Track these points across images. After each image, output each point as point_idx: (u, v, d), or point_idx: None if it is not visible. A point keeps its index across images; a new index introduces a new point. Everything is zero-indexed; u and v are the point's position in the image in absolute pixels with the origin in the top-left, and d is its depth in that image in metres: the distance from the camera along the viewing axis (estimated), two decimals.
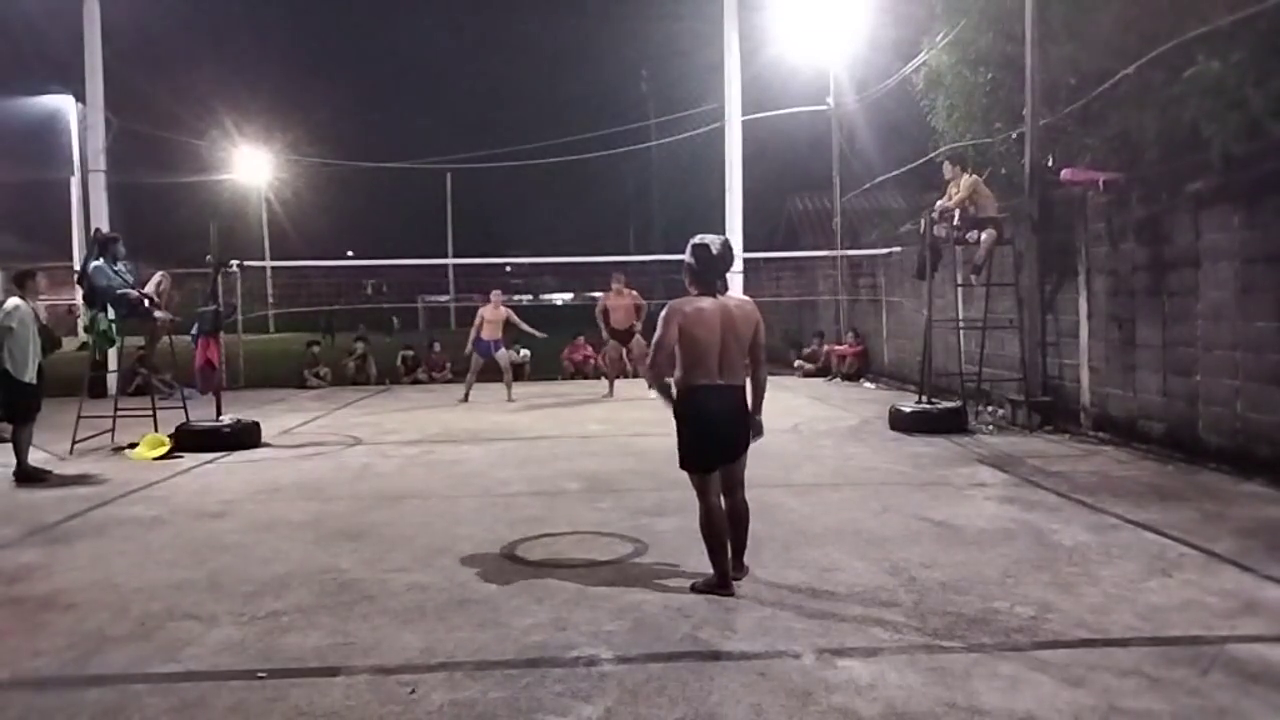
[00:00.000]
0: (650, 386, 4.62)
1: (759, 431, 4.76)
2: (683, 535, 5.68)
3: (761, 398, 4.77)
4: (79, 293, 10.63)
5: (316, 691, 3.54)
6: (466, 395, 13.86)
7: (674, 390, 4.62)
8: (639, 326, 14.38)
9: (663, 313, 4.58)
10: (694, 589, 4.60)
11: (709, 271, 4.63)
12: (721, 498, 4.67)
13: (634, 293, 14.36)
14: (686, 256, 4.67)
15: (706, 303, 4.56)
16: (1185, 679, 3.52)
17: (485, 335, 13.97)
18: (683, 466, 4.65)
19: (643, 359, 14.99)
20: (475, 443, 9.80)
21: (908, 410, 10.12)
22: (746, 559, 4.86)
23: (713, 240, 4.70)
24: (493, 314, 13.98)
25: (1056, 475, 7.43)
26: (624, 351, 14.89)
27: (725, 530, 4.62)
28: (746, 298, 5.06)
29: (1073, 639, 3.95)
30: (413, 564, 5.22)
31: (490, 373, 14.13)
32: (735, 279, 18.16)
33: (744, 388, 4.67)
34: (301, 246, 37.35)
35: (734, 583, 4.61)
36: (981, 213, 10.47)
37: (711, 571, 4.62)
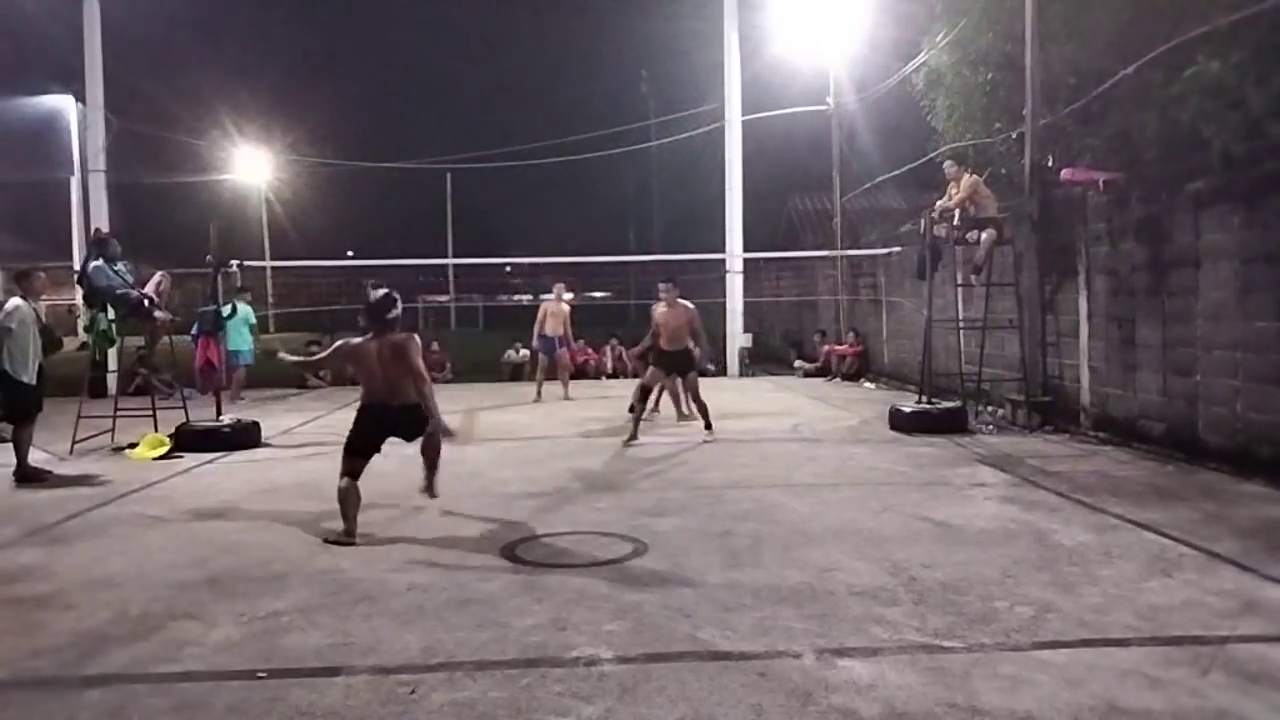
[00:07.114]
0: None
1: (442, 430, 5.86)
2: (683, 535, 5.72)
3: (430, 405, 5.77)
4: (79, 293, 10.63)
5: (316, 691, 3.54)
6: (539, 394, 13.63)
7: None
8: (698, 353, 10.42)
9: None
10: (325, 540, 5.66)
11: (367, 318, 5.93)
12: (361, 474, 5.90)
13: (686, 303, 10.07)
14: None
15: (369, 344, 5.84)
16: (1185, 679, 3.52)
17: (548, 331, 13.66)
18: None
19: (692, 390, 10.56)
20: (475, 443, 9.80)
21: (908, 410, 10.12)
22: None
23: (374, 294, 5.92)
24: (556, 308, 13.68)
25: (1056, 475, 7.43)
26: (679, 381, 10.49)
27: (353, 502, 5.72)
28: (404, 335, 5.90)
29: (1073, 639, 3.95)
30: (412, 564, 5.22)
31: (486, 372, 14.12)
32: (735, 279, 18.23)
33: (413, 404, 5.78)
34: (301, 246, 37.28)
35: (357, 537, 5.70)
36: (981, 213, 10.48)
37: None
